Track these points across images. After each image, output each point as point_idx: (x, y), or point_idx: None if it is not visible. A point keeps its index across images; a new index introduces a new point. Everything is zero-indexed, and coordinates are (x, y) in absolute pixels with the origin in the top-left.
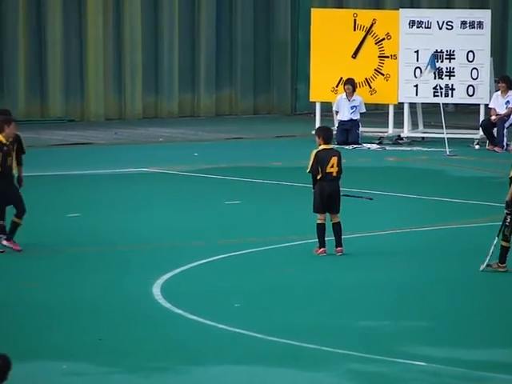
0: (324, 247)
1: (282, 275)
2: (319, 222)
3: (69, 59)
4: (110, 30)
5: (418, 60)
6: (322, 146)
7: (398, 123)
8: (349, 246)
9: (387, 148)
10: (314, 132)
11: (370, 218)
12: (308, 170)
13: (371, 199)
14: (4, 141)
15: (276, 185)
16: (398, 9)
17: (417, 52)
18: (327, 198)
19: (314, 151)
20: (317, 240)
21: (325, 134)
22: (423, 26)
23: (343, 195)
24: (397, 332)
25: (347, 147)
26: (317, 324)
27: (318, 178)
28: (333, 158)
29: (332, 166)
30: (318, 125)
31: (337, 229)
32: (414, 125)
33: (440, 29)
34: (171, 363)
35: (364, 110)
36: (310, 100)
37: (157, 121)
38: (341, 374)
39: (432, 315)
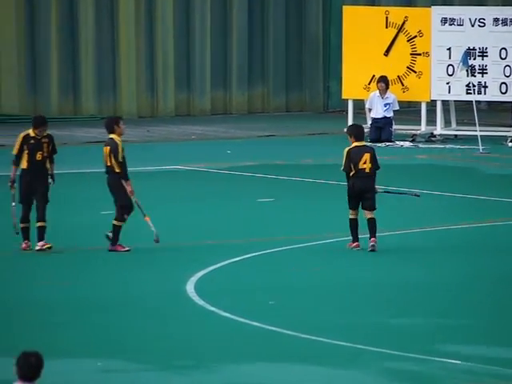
0: (357, 241)
1: (314, 273)
2: (351, 217)
3: (101, 57)
4: (143, 28)
5: (450, 57)
6: (354, 144)
7: (431, 121)
8: (382, 244)
9: (420, 146)
10: (345, 130)
11: (403, 215)
12: (342, 168)
13: (418, 196)
14: (33, 134)
15: (309, 182)
16: (430, 6)
17: (449, 49)
18: (358, 193)
19: (347, 149)
20: (350, 237)
21: (356, 131)
22: (455, 23)
23: (384, 192)
24: (431, 330)
25: (380, 145)
26: (350, 322)
27: (351, 174)
28: (365, 154)
29: (365, 163)
30: (350, 122)
31: (371, 224)
32: (447, 122)
33: (472, 26)
34: (204, 361)
35: (397, 108)
36: (343, 97)
37: (189, 118)
38: (376, 372)
39: (466, 313)
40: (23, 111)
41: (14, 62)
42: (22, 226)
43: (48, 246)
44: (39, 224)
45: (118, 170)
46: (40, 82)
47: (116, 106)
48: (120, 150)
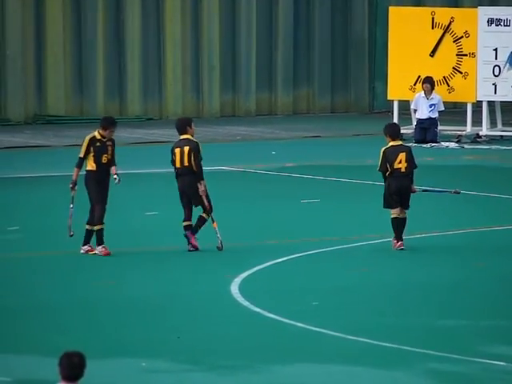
0: (401, 241)
1: (359, 274)
2: (393, 216)
3: (147, 59)
4: (188, 30)
5: (496, 58)
6: (391, 143)
7: (477, 121)
8: (426, 245)
9: (465, 146)
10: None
11: (448, 216)
12: (378, 168)
13: (459, 193)
14: (99, 137)
15: (354, 183)
16: (476, 6)
17: (495, 50)
18: (395, 193)
19: (383, 149)
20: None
21: (391, 130)
22: (502, 23)
23: (423, 191)
24: (475, 331)
25: (425, 146)
26: (395, 323)
27: (387, 174)
28: (401, 153)
29: (400, 162)
30: (395, 121)
31: (401, 224)
32: (493, 123)
33: None
34: (249, 361)
35: (443, 109)
36: (388, 98)
37: (234, 119)
38: (420, 374)
39: (510, 314)
40: (69, 112)
41: (60, 64)
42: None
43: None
44: (98, 227)
45: (196, 170)
46: (86, 84)
47: (161, 107)
48: (201, 149)
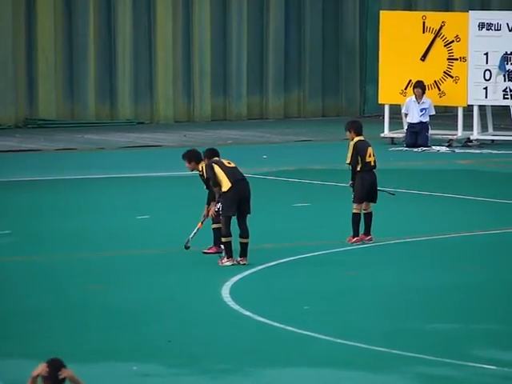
0: (359, 236)
1: (350, 277)
2: (356, 211)
3: (138, 63)
4: (179, 34)
5: (487, 62)
6: (357, 138)
7: (468, 126)
8: (416, 248)
9: (456, 151)
10: (347, 125)
11: (439, 220)
12: (348, 161)
13: (393, 194)
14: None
15: (345, 187)
16: (467, 11)
17: (486, 54)
18: (368, 188)
19: (353, 142)
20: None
21: (357, 126)
22: (493, 28)
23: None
24: (467, 335)
25: (416, 150)
26: (385, 327)
27: (358, 169)
28: (369, 148)
29: (370, 156)
30: (386, 127)
31: (369, 218)
32: (484, 127)
33: (510, 31)
34: (239, 365)
35: (433, 113)
36: (379, 102)
37: (225, 123)
38: (411, 378)
39: (502, 318)
40: (60, 116)
41: (51, 68)
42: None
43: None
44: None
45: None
46: (77, 88)
47: (153, 110)
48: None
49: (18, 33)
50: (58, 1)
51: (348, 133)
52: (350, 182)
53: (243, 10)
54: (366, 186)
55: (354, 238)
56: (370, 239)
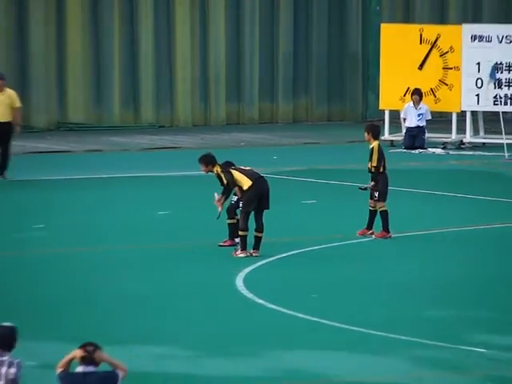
0: (388, 231)
1: (356, 269)
2: (386, 208)
3: (159, 71)
4: (197, 46)
5: (479, 71)
6: (376, 142)
7: (461, 130)
8: (415, 242)
9: (451, 152)
10: (366, 129)
11: (433, 216)
12: (375, 164)
13: (365, 189)
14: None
15: (348, 186)
16: (460, 24)
17: (478, 64)
18: (388, 186)
19: (376, 146)
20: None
21: (377, 131)
22: (484, 39)
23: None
24: (460, 321)
25: (414, 151)
26: (386, 314)
27: (381, 170)
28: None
29: (385, 158)
30: (386, 131)
31: (375, 215)
32: (476, 131)
33: (500, 42)
34: (252, 348)
35: (430, 118)
36: (380, 108)
37: (239, 127)
38: (407, 359)
39: (491, 306)
40: (88, 120)
41: (80, 77)
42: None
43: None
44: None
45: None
46: (103, 94)
47: (172, 115)
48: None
49: (50, 42)
50: (85, 13)
51: (366, 134)
52: (372, 184)
53: (255, 23)
54: (387, 185)
55: (388, 233)
56: (372, 233)
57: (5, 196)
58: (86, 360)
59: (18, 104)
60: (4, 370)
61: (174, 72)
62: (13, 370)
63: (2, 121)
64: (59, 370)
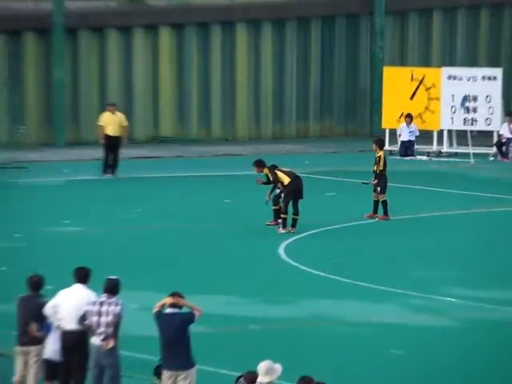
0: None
1: (365, 241)
2: (386, 199)
3: (225, 97)
4: (252, 78)
5: (453, 101)
6: (382, 151)
7: (440, 143)
8: (408, 223)
9: (433, 159)
10: (374, 142)
11: (417, 203)
12: (381, 168)
13: (367, 184)
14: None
15: (359, 183)
16: (440, 67)
17: (453, 96)
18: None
19: (382, 155)
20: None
21: (381, 142)
22: (457, 79)
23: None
24: (442, 279)
25: (406, 158)
26: (388, 273)
27: (384, 172)
28: None
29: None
30: (387, 143)
31: (381, 203)
32: (450, 144)
33: (468, 81)
34: (289, 297)
35: (418, 134)
36: (382, 127)
37: (281, 140)
38: (401, 306)
39: (465, 267)
40: (174, 135)
41: (168, 101)
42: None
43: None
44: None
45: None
46: (185, 115)
47: (234, 131)
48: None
49: (148, 78)
50: (173, 50)
51: (374, 145)
52: (375, 181)
53: (293, 63)
54: (387, 181)
55: (387, 216)
56: (377, 217)
57: (115, 188)
58: (173, 305)
59: (125, 123)
60: (112, 308)
61: (235, 98)
62: (118, 309)
63: (114, 135)
64: (154, 311)
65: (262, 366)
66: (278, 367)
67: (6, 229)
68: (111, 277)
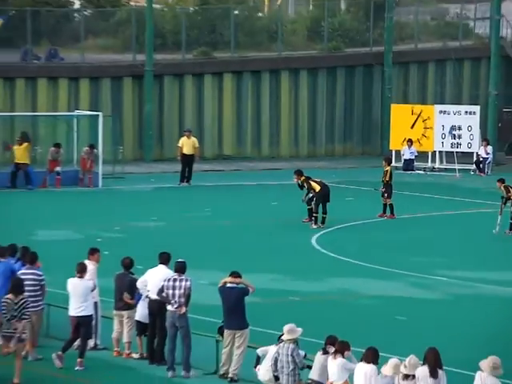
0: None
1: (378, 233)
2: (392, 202)
3: (272, 124)
4: (292, 110)
5: (443, 130)
6: (389, 166)
7: (433, 161)
8: (407, 220)
9: (428, 173)
10: (384, 159)
11: (415, 206)
12: (387, 179)
13: (377, 190)
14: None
15: (367, 190)
16: (433, 104)
17: (443, 126)
18: None
19: (389, 169)
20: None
21: (389, 160)
22: (446, 113)
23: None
24: (434, 263)
25: (408, 172)
26: (394, 259)
27: (390, 182)
28: None
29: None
30: (393, 160)
31: (388, 206)
32: (441, 161)
33: (454, 114)
34: (319, 276)
35: (416, 154)
36: (390, 148)
37: (314, 158)
38: (403, 283)
39: (454, 253)
40: (232, 153)
41: (229, 126)
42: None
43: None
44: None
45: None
46: (241, 137)
47: (278, 150)
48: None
49: (215, 108)
50: (233, 95)
51: (384, 162)
52: (384, 189)
53: (323, 101)
54: (392, 189)
55: (393, 215)
56: (387, 216)
57: (189, 193)
58: (232, 281)
59: (197, 145)
60: (183, 283)
61: (279, 127)
62: (188, 284)
63: (189, 154)
64: (219, 286)
65: (286, 327)
66: (299, 329)
67: (108, 223)
68: (180, 259)
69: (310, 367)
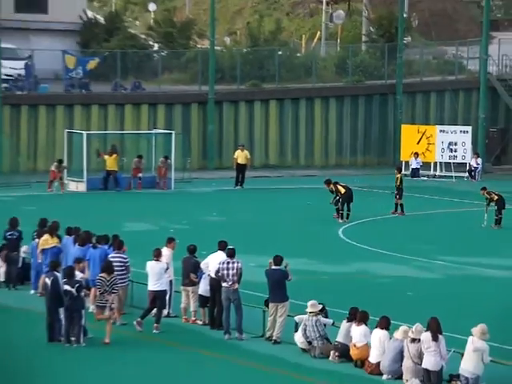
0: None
1: (391, 227)
2: (402, 202)
3: (308, 139)
4: (323, 127)
5: (443, 145)
6: (400, 174)
7: (435, 169)
8: (414, 216)
9: (430, 179)
10: (396, 168)
11: (420, 205)
12: (399, 184)
13: (392, 193)
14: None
15: (387, 193)
16: (435, 125)
17: (442, 142)
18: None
19: (400, 176)
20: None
21: (400, 168)
22: (445, 132)
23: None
24: (435, 250)
25: (415, 179)
26: (403, 247)
27: (401, 187)
28: None
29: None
30: (403, 169)
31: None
32: (441, 170)
33: (451, 133)
34: (343, 260)
35: (421, 164)
36: (401, 159)
37: (339, 167)
38: (410, 266)
39: (452, 242)
40: (275, 163)
41: (273, 140)
42: None
43: None
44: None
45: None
46: (283, 150)
47: (312, 161)
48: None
49: (261, 128)
50: (277, 118)
51: (396, 171)
52: (396, 193)
53: (348, 123)
54: (403, 192)
55: (403, 213)
56: (398, 214)
57: (242, 194)
58: (275, 264)
59: (248, 156)
60: (235, 265)
61: (313, 143)
62: (239, 265)
63: (242, 163)
64: (266, 269)
65: (310, 303)
66: (319, 306)
67: (178, 217)
68: (230, 246)
69: (327, 339)
